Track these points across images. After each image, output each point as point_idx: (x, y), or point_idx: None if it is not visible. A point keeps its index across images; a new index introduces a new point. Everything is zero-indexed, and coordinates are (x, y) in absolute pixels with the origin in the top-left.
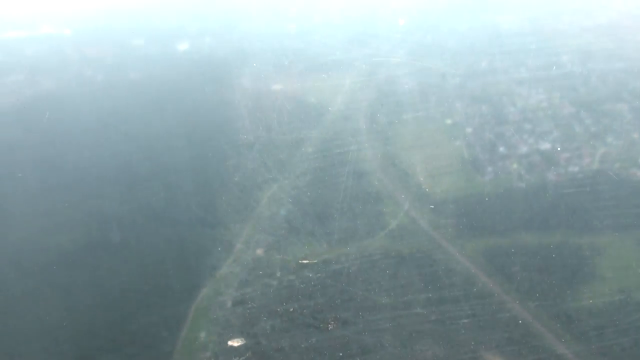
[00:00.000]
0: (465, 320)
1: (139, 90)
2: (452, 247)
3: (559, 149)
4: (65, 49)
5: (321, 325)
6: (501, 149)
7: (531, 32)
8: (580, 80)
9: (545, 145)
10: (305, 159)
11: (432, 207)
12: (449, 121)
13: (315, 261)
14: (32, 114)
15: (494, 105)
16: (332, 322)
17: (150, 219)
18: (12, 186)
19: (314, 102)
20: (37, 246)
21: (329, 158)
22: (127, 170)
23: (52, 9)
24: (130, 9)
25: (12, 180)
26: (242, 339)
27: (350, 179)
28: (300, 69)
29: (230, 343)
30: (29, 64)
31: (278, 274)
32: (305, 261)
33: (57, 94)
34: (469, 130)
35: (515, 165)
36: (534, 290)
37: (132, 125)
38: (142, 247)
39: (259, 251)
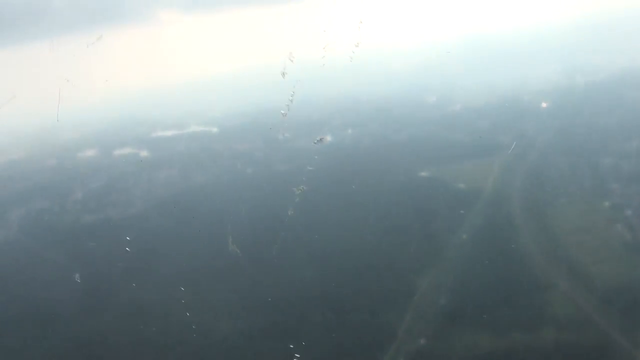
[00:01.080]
0: None
1: (286, 181)
2: None
3: None
4: (214, 146)
5: None
6: None
7: None
8: None
9: None
10: (460, 245)
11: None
12: (606, 203)
13: None
14: (185, 205)
15: None
16: None
17: (304, 300)
18: (164, 270)
19: (464, 187)
20: (200, 328)
21: (484, 244)
22: (284, 256)
23: (198, 110)
24: (274, 107)
25: (160, 267)
26: None
27: (509, 266)
28: (446, 155)
29: None
30: (180, 160)
31: None
32: None
33: (209, 186)
34: (628, 212)
35: None
36: None
37: (287, 214)
38: (306, 329)
39: (422, 340)
